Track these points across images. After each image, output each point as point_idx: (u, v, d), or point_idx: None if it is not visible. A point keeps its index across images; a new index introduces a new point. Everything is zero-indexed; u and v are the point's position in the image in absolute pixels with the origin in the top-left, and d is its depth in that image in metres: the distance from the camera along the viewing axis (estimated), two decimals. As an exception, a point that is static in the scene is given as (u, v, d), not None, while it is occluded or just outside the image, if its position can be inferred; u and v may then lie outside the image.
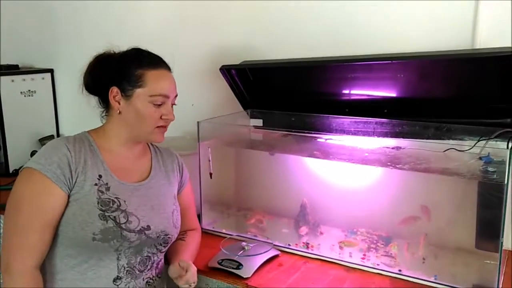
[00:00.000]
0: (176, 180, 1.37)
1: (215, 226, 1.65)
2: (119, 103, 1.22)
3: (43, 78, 2.42)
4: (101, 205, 1.16)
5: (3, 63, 2.36)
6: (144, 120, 1.22)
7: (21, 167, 2.20)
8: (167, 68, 1.27)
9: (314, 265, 1.41)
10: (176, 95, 1.28)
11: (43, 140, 2.35)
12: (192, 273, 1.20)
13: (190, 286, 1.20)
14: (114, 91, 1.21)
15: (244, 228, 1.62)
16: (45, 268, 1.18)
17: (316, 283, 1.30)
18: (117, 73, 1.22)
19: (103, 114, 1.28)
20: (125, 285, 1.19)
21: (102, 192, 1.17)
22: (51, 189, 1.13)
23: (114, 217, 1.16)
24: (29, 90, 2.34)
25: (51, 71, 2.46)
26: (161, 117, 1.23)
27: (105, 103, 1.26)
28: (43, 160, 1.15)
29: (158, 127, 1.24)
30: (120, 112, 1.22)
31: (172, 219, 1.28)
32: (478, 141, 1.34)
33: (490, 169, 1.26)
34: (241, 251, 1.40)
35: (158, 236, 1.24)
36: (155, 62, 1.24)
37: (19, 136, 2.28)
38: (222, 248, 1.42)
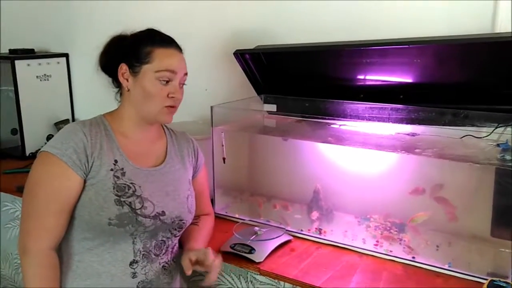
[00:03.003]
0: (191, 164, 1.37)
1: (228, 211, 1.66)
2: (127, 81, 1.22)
3: (58, 63, 2.44)
4: (116, 190, 1.16)
5: (19, 47, 2.38)
6: (150, 98, 1.20)
7: (37, 150, 2.25)
8: (177, 48, 1.25)
9: (326, 251, 1.42)
10: (186, 74, 1.25)
11: (58, 124, 2.38)
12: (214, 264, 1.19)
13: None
14: (123, 68, 1.21)
15: (257, 213, 1.63)
16: (62, 249, 1.20)
17: (328, 269, 1.30)
18: (127, 50, 1.22)
19: (118, 96, 1.28)
20: (142, 268, 1.21)
21: (117, 177, 1.18)
22: (68, 174, 1.14)
23: (130, 202, 1.17)
24: (45, 74, 2.36)
25: (66, 55, 2.47)
26: (168, 96, 1.21)
27: (118, 83, 1.26)
28: (59, 144, 1.15)
29: (166, 106, 1.22)
30: (128, 90, 1.22)
31: (187, 205, 1.29)
32: (496, 127, 1.32)
33: (507, 156, 1.24)
34: (254, 236, 1.40)
35: (173, 222, 1.24)
36: (164, 40, 1.24)
37: (35, 120, 2.31)
38: (235, 233, 1.42)
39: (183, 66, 1.25)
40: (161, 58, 1.20)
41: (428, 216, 1.34)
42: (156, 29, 1.27)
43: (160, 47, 1.21)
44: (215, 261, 1.18)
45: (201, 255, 1.19)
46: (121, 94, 1.28)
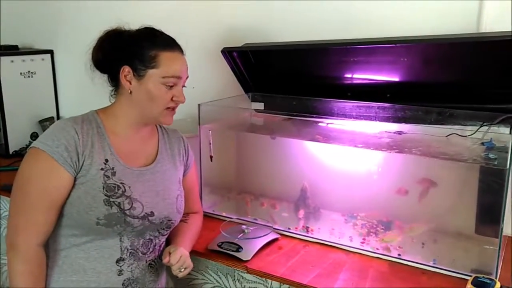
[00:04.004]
0: (181, 163, 1.36)
1: (215, 209, 1.66)
2: (130, 83, 1.20)
3: (43, 59, 2.40)
4: (106, 190, 1.15)
5: (2, 43, 2.34)
6: (155, 101, 1.20)
7: (21, 148, 2.23)
8: (180, 50, 1.25)
9: (313, 249, 1.42)
10: (187, 77, 1.26)
11: (43, 122, 2.35)
12: (183, 257, 1.21)
13: (181, 271, 1.21)
14: (126, 70, 1.19)
15: (244, 211, 1.62)
16: (49, 245, 1.19)
17: (316, 267, 1.31)
18: (130, 52, 1.19)
19: (112, 93, 1.26)
20: (128, 266, 1.20)
21: (108, 177, 1.17)
22: (58, 171, 1.13)
23: (119, 203, 1.16)
24: (29, 71, 2.33)
25: (51, 52, 2.44)
26: (171, 99, 1.22)
27: (115, 82, 1.24)
28: (50, 141, 1.14)
29: (167, 108, 1.23)
30: (131, 92, 1.20)
31: (176, 205, 1.28)
32: (481, 126, 1.34)
33: (491, 155, 1.26)
34: (241, 234, 1.40)
35: (161, 222, 1.24)
36: (169, 43, 1.22)
37: (19, 118, 2.27)
38: (222, 231, 1.42)
39: (186, 70, 1.24)
40: (167, 63, 1.19)
41: (424, 228, 1.35)
42: (156, 28, 1.25)
43: (165, 50, 1.20)
44: (171, 260, 1.19)
45: (173, 250, 1.21)
46: (115, 92, 1.25)
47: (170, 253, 1.21)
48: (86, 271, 1.17)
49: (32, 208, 1.13)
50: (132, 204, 1.18)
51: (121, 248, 1.19)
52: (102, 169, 1.17)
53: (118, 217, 1.15)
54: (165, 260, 1.20)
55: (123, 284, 1.20)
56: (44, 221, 1.14)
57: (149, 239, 1.24)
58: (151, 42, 1.20)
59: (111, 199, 1.15)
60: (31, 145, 1.16)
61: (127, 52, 1.20)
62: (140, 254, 1.22)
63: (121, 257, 1.19)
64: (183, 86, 1.26)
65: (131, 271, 1.21)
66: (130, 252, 1.20)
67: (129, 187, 1.19)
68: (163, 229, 1.26)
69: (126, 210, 1.17)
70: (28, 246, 1.13)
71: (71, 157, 1.13)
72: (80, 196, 1.14)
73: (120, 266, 1.19)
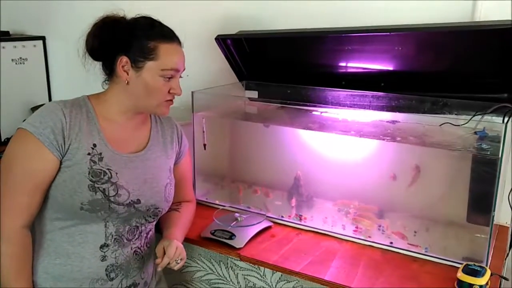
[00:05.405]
0: (174, 151, 1.36)
1: (209, 197, 1.66)
2: (127, 73, 1.18)
3: (34, 46, 2.37)
4: (91, 176, 1.15)
5: (-7, 29, 2.31)
6: (152, 93, 1.20)
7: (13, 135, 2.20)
8: (179, 42, 1.24)
9: (306, 237, 1.43)
10: (184, 69, 1.25)
11: (35, 109, 2.32)
12: (178, 249, 1.22)
13: (177, 262, 1.22)
14: (124, 60, 1.17)
15: (238, 200, 1.63)
16: (35, 227, 1.19)
17: (308, 254, 1.31)
18: (129, 42, 1.17)
19: (106, 80, 1.25)
20: (112, 252, 1.20)
21: (94, 162, 1.16)
22: (43, 154, 1.12)
23: (104, 189, 1.15)
24: (21, 58, 2.30)
25: (43, 38, 2.41)
26: (168, 91, 1.21)
27: (109, 70, 1.22)
28: (38, 123, 1.13)
29: (165, 101, 1.22)
30: (128, 83, 1.19)
31: (164, 193, 1.27)
32: (474, 115, 1.34)
33: (484, 145, 1.26)
34: (234, 222, 1.41)
35: (148, 210, 1.24)
36: (168, 35, 1.21)
37: (10, 105, 2.25)
38: (215, 219, 1.42)
39: (184, 62, 1.24)
40: (166, 56, 1.18)
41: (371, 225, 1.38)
42: (155, 18, 1.23)
43: (165, 42, 1.18)
44: (168, 254, 1.20)
45: (167, 245, 1.21)
46: (108, 80, 1.24)
47: (164, 248, 1.21)
48: (69, 255, 1.17)
49: (16, 189, 1.12)
50: (117, 191, 1.17)
51: (105, 234, 1.18)
52: (89, 154, 1.16)
53: (102, 203, 1.15)
54: (159, 254, 1.20)
55: (106, 270, 1.19)
56: (28, 203, 1.13)
57: (135, 226, 1.23)
58: (150, 33, 1.18)
59: (96, 185, 1.15)
60: (19, 126, 1.15)
61: (125, 42, 1.18)
62: (125, 241, 1.22)
63: (105, 243, 1.19)
64: (180, 77, 1.25)
65: (115, 257, 1.20)
66: (115, 238, 1.20)
67: (116, 173, 1.18)
68: (150, 216, 1.26)
69: (111, 196, 1.16)
70: (12, 228, 1.13)
71: (57, 140, 1.13)
72: (65, 180, 1.14)
73: (104, 252, 1.19)
